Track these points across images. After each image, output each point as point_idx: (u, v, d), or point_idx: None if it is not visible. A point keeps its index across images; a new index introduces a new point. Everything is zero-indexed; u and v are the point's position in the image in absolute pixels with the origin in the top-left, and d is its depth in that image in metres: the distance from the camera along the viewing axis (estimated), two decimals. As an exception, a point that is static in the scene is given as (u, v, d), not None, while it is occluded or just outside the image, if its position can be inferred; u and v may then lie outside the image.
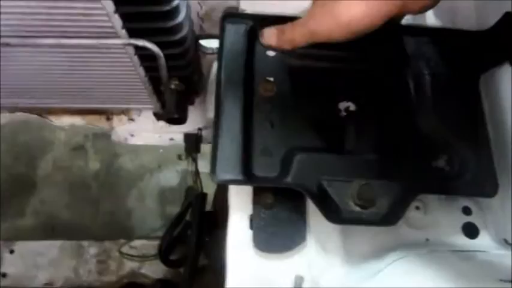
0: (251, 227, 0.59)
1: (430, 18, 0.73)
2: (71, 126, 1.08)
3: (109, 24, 0.65)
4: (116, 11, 0.63)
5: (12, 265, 1.07)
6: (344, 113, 0.66)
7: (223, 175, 0.58)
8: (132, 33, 0.69)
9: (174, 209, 1.23)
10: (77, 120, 1.07)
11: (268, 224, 0.59)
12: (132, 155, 1.48)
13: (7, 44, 0.71)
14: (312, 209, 0.59)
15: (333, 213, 0.55)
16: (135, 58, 0.75)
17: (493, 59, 0.66)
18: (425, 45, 0.69)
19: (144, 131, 1.01)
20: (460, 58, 0.68)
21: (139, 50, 0.73)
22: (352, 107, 0.67)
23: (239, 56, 0.66)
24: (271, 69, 0.67)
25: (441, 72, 0.67)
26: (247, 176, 0.58)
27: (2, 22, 0.66)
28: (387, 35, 0.68)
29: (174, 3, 0.65)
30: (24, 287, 1.04)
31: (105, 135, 1.54)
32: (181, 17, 0.68)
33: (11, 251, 1.07)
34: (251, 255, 0.59)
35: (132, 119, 1.01)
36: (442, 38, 0.69)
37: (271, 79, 0.67)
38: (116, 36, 0.67)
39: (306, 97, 0.66)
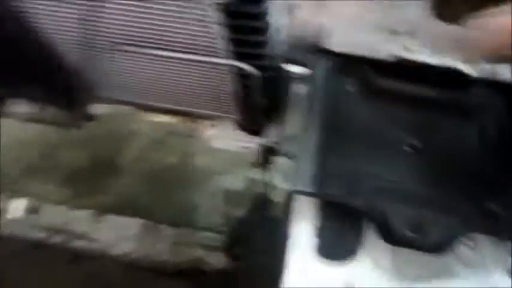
0: (316, 235, 0.68)
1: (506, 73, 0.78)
2: (158, 123, 1.22)
3: (217, 45, 0.77)
4: (224, 36, 0.75)
5: (101, 232, 1.24)
6: (409, 148, 0.74)
7: (299, 186, 0.68)
8: (233, 55, 0.81)
9: (237, 211, 1.35)
10: (165, 119, 1.21)
11: (329, 234, 0.68)
12: (206, 156, 1.61)
13: (125, 51, 0.85)
14: (368, 227, 0.67)
15: (389, 234, 0.63)
16: (232, 76, 0.87)
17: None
18: (496, 99, 0.75)
19: (223, 136, 1.13)
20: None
21: (237, 70, 0.84)
22: (417, 144, 0.74)
23: (323, 86, 0.76)
24: (350, 102, 0.76)
25: (508, 121, 0.73)
26: (319, 190, 0.68)
27: (123, 31, 0.80)
28: (462, 83, 0.76)
29: (268, 34, 0.75)
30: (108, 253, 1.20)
31: (186, 135, 1.70)
32: (272, 47, 0.79)
33: (100, 219, 1.24)
34: (311, 260, 0.68)
35: (214, 125, 1.13)
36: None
37: (350, 108, 0.76)
38: (221, 56, 0.79)
39: (378, 128, 0.74)
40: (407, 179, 0.69)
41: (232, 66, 0.82)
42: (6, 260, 1.18)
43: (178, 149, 1.63)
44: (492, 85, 0.75)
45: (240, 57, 0.80)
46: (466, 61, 0.74)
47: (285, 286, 0.67)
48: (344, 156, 0.71)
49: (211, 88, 0.96)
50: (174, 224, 1.27)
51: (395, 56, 0.75)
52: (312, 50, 0.76)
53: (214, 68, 0.86)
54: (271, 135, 1.07)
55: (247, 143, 1.11)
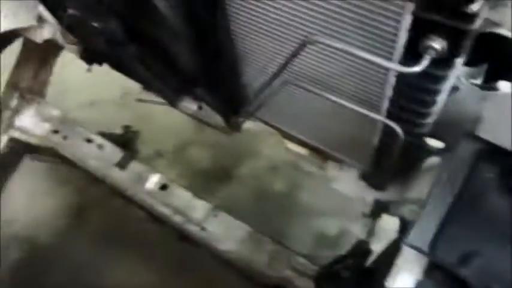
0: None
1: None
2: (287, 149, 1.36)
3: (379, 103, 0.90)
4: (390, 98, 0.86)
5: (213, 225, 1.40)
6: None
7: (415, 241, 0.76)
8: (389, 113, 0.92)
9: (326, 253, 1.44)
10: (297, 148, 1.35)
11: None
12: (315, 193, 1.73)
13: (303, 88, 0.99)
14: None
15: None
16: (379, 131, 0.98)
17: None
18: None
19: (345, 180, 1.24)
20: None
21: (386, 127, 0.95)
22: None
23: (461, 166, 0.83)
24: (487, 185, 0.82)
25: None
26: (432, 251, 0.75)
27: (302, 70, 0.94)
28: None
29: (430, 109, 0.85)
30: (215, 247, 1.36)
31: (305, 169, 1.84)
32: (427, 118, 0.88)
33: (215, 215, 1.41)
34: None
35: (341, 168, 1.24)
36: None
37: (484, 191, 0.82)
38: (379, 112, 0.91)
39: (506, 218, 0.80)
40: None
41: (384, 123, 0.93)
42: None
43: (290, 177, 1.76)
44: None
45: (394, 117, 0.91)
46: None
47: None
48: (466, 231, 0.78)
49: (354, 135, 1.08)
50: (275, 240, 1.40)
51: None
52: (463, 133, 0.84)
53: (366, 120, 0.98)
54: (390, 194, 1.16)
55: (364, 194, 1.21)
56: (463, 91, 0.91)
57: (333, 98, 0.95)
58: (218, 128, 1.32)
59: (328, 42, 0.77)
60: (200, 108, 1.40)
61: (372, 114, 0.92)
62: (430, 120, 0.89)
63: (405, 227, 1.03)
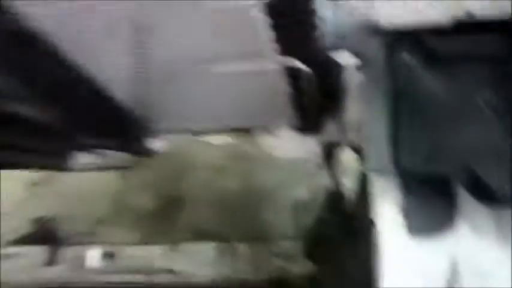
0: (402, 214, 0.65)
1: None
2: (216, 147, 1.24)
3: (266, 50, 0.78)
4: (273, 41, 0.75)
5: (179, 263, 1.25)
6: (488, 107, 0.70)
7: (374, 165, 0.66)
8: (282, 52, 0.80)
9: (310, 215, 1.33)
10: (223, 140, 1.23)
11: (418, 209, 0.65)
12: (270, 171, 1.61)
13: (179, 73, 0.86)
14: (462, 191, 0.64)
15: (487, 196, 0.60)
16: (285, 79, 0.87)
17: None
18: None
19: (284, 144, 1.13)
20: None
21: (288, 70, 0.84)
22: (496, 101, 0.70)
23: (380, 66, 0.74)
24: (415, 74, 0.73)
25: None
26: (397, 166, 0.65)
27: (172, 57, 0.81)
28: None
29: (317, 29, 0.75)
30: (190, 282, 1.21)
31: (247, 154, 1.71)
32: (321, 41, 0.78)
33: (174, 251, 1.26)
34: (404, 241, 0.64)
35: (272, 134, 1.13)
36: None
37: (416, 81, 0.73)
38: (271, 60, 0.79)
39: (450, 93, 0.71)
40: (493, 136, 0.65)
41: (284, 68, 0.82)
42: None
43: (241, 169, 1.64)
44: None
45: (289, 57, 0.80)
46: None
47: (385, 274, 0.64)
48: (420, 129, 0.69)
49: (265, 97, 0.96)
50: (248, 241, 1.27)
51: (452, 17, 0.73)
52: (364, 33, 0.74)
53: (265, 75, 0.87)
54: (332, 131, 1.06)
55: (310, 145, 1.10)
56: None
57: (220, 67, 0.83)
58: (128, 163, 1.17)
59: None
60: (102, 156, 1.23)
61: (265, 64, 0.80)
62: (321, 41, 0.78)
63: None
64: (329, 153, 1.06)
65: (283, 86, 0.91)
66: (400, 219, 0.66)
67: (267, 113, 1.06)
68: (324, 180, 1.10)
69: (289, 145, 1.13)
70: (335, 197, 1.03)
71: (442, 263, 0.62)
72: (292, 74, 0.86)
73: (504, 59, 0.72)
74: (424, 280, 0.62)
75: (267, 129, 1.14)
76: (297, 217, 1.57)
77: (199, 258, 1.26)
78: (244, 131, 1.18)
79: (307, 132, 1.07)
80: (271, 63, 0.82)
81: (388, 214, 0.68)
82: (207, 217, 1.55)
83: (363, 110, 0.72)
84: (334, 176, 1.06)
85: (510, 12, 0.71)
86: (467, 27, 0.73)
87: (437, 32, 0.73)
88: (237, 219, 1.50)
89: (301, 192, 1.60)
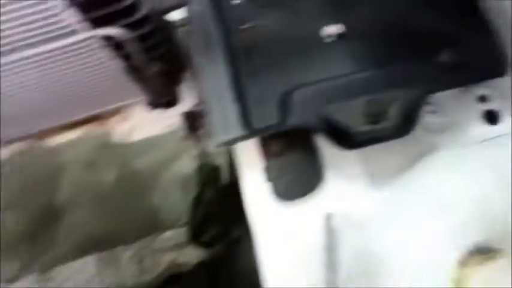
0: (268, 179, 0.56)
1: None
2: (73, 143, 1.07)
3: (66, 22, 0.62)
4: (71, 5, 0.60)
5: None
6: (333, 37, 0.62)
7: (223, 136, 0.55)
8: (95, 24, 0.66)
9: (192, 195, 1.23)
10: (74, 135, 1.06)
11: (283, 172, 0.56)
12: (143, 154, 1.47)
13: None
14: (324, 143, 0.56)
15: (345, 139, 0.52)
16: (106, 51, 0.72)
17: None
18: None
19: (142, 124, 0.99)
20: None
21: (107, 41, 0.70)
22: (340, 28, 0.63)
23: (206, 12, 0.63)
24: (243, 16, 0.64)
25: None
26: (248, 130, 0.56)
27: None
28: None
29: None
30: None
31: (110, 144, 1.53)
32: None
33: (49, 279, 1.09)
34: (274, 208, 0.56)
35: (126, 117, 0.98)
36: None
37: (247, 26, 0.64)
38: (76, 32, 0.64)
39: (288, 33, 0.62)
40: (342, 69, 0.58)
41: (98, 38, 0.67)
42: None
43: (111, 161, 1.47)
44: None
45: (101, 24, 0.66)
46: None
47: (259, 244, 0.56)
48: (261, 80, 0.59)
49: (98, 76, 0.81)
50: (135, 239, 1.14)
51: None
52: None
53: (84, 52, 0.71)
54: (190, 99, 0.94)
55: (170, 119, 0.98)
56: None
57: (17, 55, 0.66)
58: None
59: None
60: None
61: (71, 39, 0.65)
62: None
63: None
64: (192, 123, 0.95)
65: (113, 62, 0.77)
66: (266, 185, 0.58)
67: (111, 94, 0.91)
68: (195, 153, 1.00)
69: (149, 123, 0.99)
70: (211, 170, 0.94)
71: (315, 222, 0.55)
72: (116, 45, 0.72)
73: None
74: (301, 244, 0.55)
75: (119, 111, 0.99)
76: (185, 196, 1.47)
77: (79, 276, 1.11)
78: (95, 120, 1.02)
79: (163, 106, 0.94)
80: (83, 37, 0.67)
81: (253, 181, 0.59)
82: (88, 223, 1.39)
83: (200, 73, 0.60)
84: (203, 147, 0.96)
85: None
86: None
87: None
88: (120, 216, 1.36)
89: (181, 168, 1.49)
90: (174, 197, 1.49)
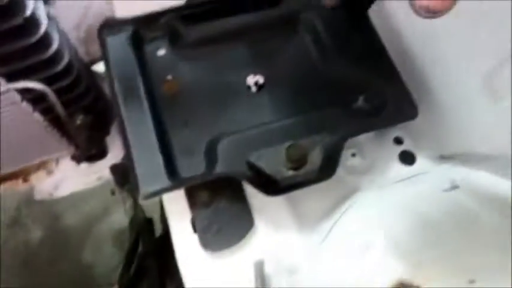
0: (195, 231, 0.55)
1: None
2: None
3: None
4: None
5: None
6: (254, 88, 0.65)
7: (149, 188, 0.54)
8: (12, 78, 0.64)
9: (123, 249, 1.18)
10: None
11: (211, 222, 0.56)
12: (72, 209, 1.39)
13: None
14: (252, 191, 0.57)
15: (270, 186, 0.53)
16: (25, 104, 0.69)
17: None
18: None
19: (68, 179, 0.95)
20: (344, -1, 0.68)
21: (26, 94, 0.67)
22: (260, 79, 0.66)
23: (129, 64, 0.63)
24: (167, 68, 0.65)
25: (332, 17, 0.67)
26: (174, 181, 0.55)
27: None
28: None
29: (41, 32, 0.60)
30: None
31: (37, 202, 1.44)
32: (55, 44, 0.63)
33: None
34: (204, 259, 0.55)
35: (51, 172, 0.94)
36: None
37: (170, 77, 0.64)
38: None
39: (211, 84, 0.64)
40: (265, 118, 0.60)
41: (16, 91, 0.65)
42: None
43: (38, 219, 1.38)
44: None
45: (21, 76, 0.64)
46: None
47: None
48: (186, 130, 0.59)
49: (19, 131, 0.78)
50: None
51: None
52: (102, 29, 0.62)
53: (5, 106, 0.68)
54: (117, 151, 0.92)
55: (97, 173, 0.95)
56: None
57: None
58: None
59: None
60: None
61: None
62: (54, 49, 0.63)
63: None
64: (121, 176, 0.92)
65: (35, 115, 0.74)
66: (195, 236, 0.56)
67: (35, 148, 0.87)
68: (127, 206, 0.97)
69: (75, 177, 0.95)
70: (143, 223, 0.91)
71: (247, 270, 0.54)
72: (39, 100, 0.70)
73: (259, 31, 0.68)
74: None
75: (43, 166, 0.94)
76: (118, 251, 1.40)
77: None
78: (18, 175, 0.96)
79: (90, 159, 0.91)
80: (5, 92, 0.64)
81: (181, 233, 0.58)
82: (14, 285, 1.29)
83: (123, 124, 0.59)
84: (134, 200, 0.93)
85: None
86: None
87: (180, 15, 0.65)
88: (48, 275, 1.27)
89: (112, 222, 1.43)
90: (106, 252, 1.41)
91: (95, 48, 0.81)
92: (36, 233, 1.45)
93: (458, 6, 0.35)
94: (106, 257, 1.39)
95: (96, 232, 1.43)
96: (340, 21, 0.66)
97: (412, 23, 0.61)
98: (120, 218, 1.45)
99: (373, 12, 0.67)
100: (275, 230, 0.56)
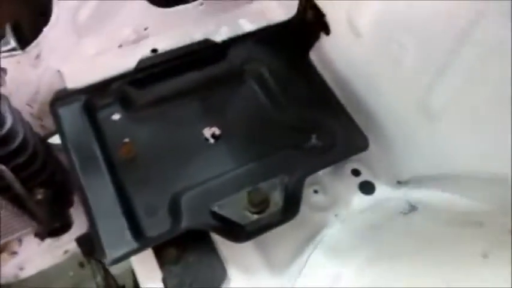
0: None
1: (246, 25, 0.77)
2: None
3: None
4: None
5: None
6: (212, 140, 0.66)
7: (115, 253, 0.53)
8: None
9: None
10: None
11: (183, 278, 0.55)
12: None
13: None
14: (221, 240, 0.56)
15: (237, 233, 0.53)
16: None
17: (310, 36, 0.71)
18: (252, 48, 0.72)
19: (33, 257, 0.91)
20: (285, 46, 0.72)
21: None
22: (216, 130, 0.67)
23: (84, 133, 0.63)
24: (123, 131, 0.66)
25: (275, 64, 0.70)
26: (140, 242, 0.54)
27: None
28: (216, 55, 0.71)
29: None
30: None
31: (4, 286, 1.36)
32: (8, 123, 0.63)
33: None
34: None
35: (14, 252, 0.90)
36: (264, 36, 0.73)
37: (127, 140, 0.65)
38: None
39: (168, 141, 0.65)
40: (224, 168, 0.61)
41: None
42: None
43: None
44: (243, 40, 0.73)
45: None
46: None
47: None
48: (148, 190, 0.60)
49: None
50: None
51: (139, 60, 0.68)
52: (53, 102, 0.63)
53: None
54: (83, 222, 0.90)
55: (63, 246, 0.92)
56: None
57: None
58: None
59: None
60: None
61: None
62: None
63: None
64: (89, 247, 0.89)
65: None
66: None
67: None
68: (97, 279, 0.93)
69: (41, 255, 0.92)
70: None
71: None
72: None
73: (210, 86, 0.71)
74: None
75: (5, 247, 0.90)
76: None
77: None
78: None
79: (54, 234, 0.88)
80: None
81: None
82: None
83: (82, 190, 0.59)
84: (104, 269, 0.90)
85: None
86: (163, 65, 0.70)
87: (130, 80, 0.67)
88: None
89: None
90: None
91: (50, 122, 0.81)
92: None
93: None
94: None
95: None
96: (284, 67, 0.70)
97: (352, 63, 0.65)
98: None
99: (314, 56, 0.72)
100: (248, 278, 0.56)
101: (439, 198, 0.53)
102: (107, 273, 0.87)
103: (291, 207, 0.54)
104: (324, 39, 0.69)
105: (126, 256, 0.53)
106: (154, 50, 0.74)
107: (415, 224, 0.52)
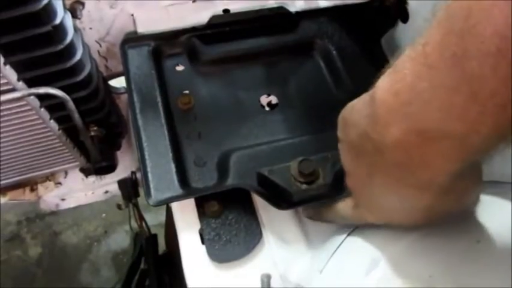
0: (202, 242, 0.55)
1: (322, 1, 0.76)
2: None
3: (3, 80, 0.61)
4: (6, 62, 0.59)
5: None
6: (267, 108, 0.67)
7: (160, 195, 0.55)
8: (32, 84, 0.65)
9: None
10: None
11: (220, 234, 0.56)
12: (73, 228, 1.39)
13: None
14: (262, 204, 0.57)
15: (282, 199, 0.54)
16: (43, 111, 0.71)
17: (386, 22, 0.69)
18: (325, 24, 0.71)
19: (75, 191, 0.95)
20: (358, 28, 0.71)
21: (45, 101, 0.69)
22: (274, 99, 0.67)
23: (148, 77, 0.65)
24: (184, 83, 0.67)
25: (345, 45, 0.69)
26: (186, 190, 0.56)
27: None
28: (288, 24, 0.71)
29: (67, 41, 0.62)
30: None
31: (39, 216, 1.43)
32: (78, 54, 0.65)
33: None
34: (210, 271, 0.55)
35: (59, 183, 0.94)
36: (338, 14, 0.72)
37: (187, 92, 0.66)
38: (13, 90, 0.63)
39: (226, 101, 0.66)
40: (278, 135, 0.61)
41: (35, 97, 0.67)
42: None
43: (38, 235, 1.37)
44: (317, 15, 0.72)
45: (40, 83, 0.65)
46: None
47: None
48: (200, 142, 0.61)
49: (31, 139, 0.79)
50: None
51: (211, 16, 0.68)
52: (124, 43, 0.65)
53: (19, 111, 0.70)
54: (126, 166, 0.93)
55: (105, 187, 0.95)
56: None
57: None
58: None
59: None
60: None
61: (8, 96, 0.63)
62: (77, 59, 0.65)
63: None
64: (128, 191, 0.93)
65: (47, 124, 0.75)
66: (202, 247, 0.56)
67: (43, 159, 0.88)
68: (131, 222, 0.97)
69: (82, 191, 0.96)
70: (147, 240, 0.90)
71: (253, 283, 0.54)
72: (56, 108, 0.71)
73: (275, 53, 0.70)
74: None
75: (50, 177, 0.95)
76: (117, 273, 1.38)
77: None
78: (23, 185, 0.96)
79: (98, 173, 0.92)
80: (20, 94, 0.65)
81: (189, 243, 0.58)
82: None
83: (138, 133, 0.60)
84: (140, 215, 0.93)
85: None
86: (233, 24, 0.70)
87: (200, 34, 0.68)
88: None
89: (114, 241, 1.42)
90: (103, 276, 1.40)
91: (114, 64, 0.83)
92: (34, 250, 1.44)
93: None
94: (102, 281, 1.37)
95: (95, 253, 1.41)
96: (353, 48, 0.69)
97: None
98: (120, 239, 1.44)
99: (384, 42, 0.70)
100: (283, 245, 0.56)
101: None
102: (141, 220, 0.90)
103: (339, 184, 0.53)
104: (399, 27, 0.67)
105: (170, 200, 0.55)
106: (226, 11, 0.74)
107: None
